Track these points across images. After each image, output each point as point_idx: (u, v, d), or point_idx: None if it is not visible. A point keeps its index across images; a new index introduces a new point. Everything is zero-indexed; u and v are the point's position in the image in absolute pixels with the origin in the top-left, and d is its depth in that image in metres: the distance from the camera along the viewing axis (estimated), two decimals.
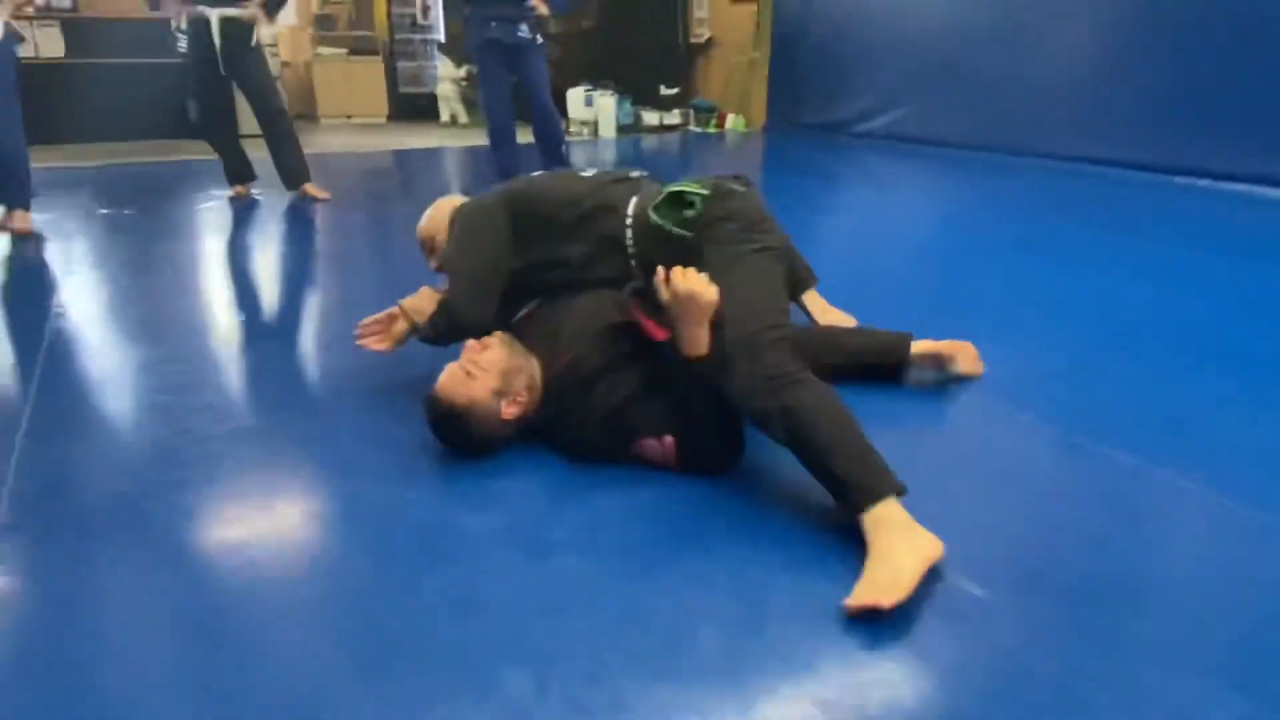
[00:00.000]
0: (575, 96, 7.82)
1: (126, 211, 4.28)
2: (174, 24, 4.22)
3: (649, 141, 7.92)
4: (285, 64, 8.36)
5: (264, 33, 4.34)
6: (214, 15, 4.14)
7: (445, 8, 9.34)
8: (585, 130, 8.03)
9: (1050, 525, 1.48)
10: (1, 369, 2.22)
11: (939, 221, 4.34)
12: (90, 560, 1.38)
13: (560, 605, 1.26)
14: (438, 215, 2.00)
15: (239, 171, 4.58)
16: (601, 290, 1.81)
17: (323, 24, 9.05)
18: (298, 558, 1.40)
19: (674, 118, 8.59)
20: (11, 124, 3.56)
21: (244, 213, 4.36)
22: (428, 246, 2.03)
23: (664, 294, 1.57)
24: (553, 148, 4.84)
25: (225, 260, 3.49)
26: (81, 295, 2.87)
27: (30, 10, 5.69)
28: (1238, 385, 2.07)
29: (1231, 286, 2.96)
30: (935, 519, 1.33)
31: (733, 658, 1.15)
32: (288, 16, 8.08)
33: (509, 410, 1.66)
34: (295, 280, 3.27)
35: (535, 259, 1.85)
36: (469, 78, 8.93)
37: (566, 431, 1.67)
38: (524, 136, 4.84)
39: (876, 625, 1.20)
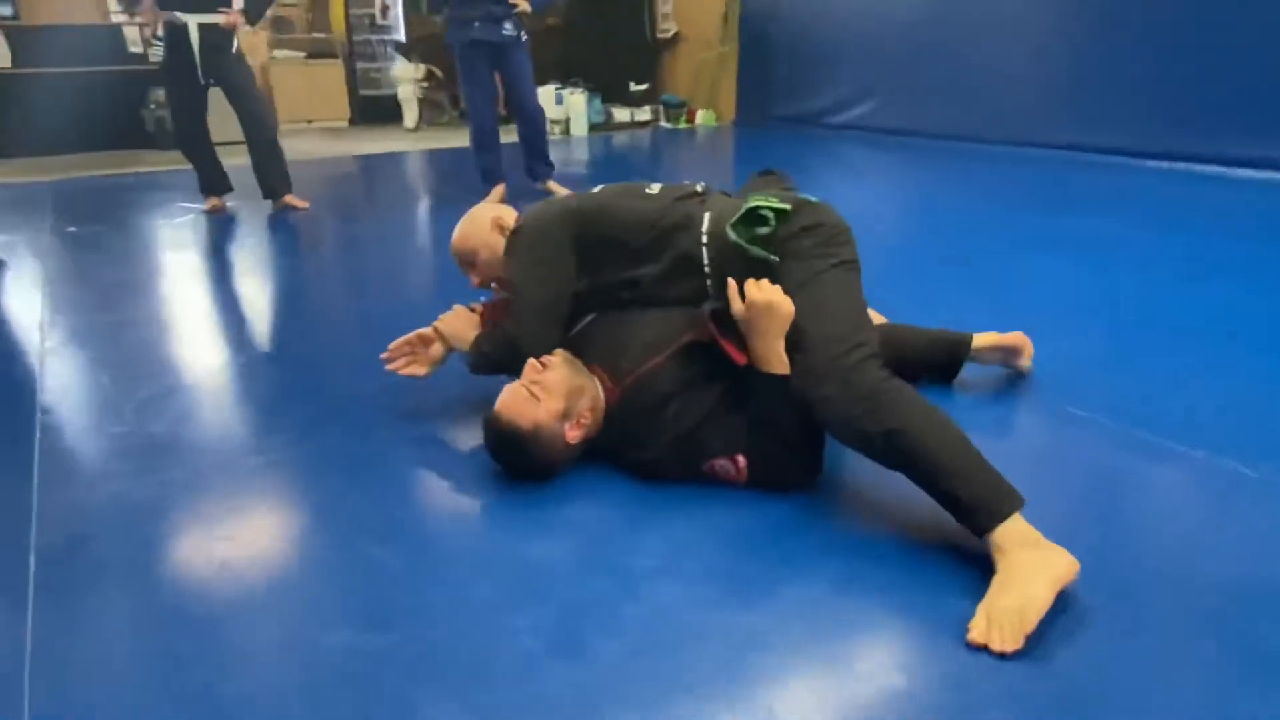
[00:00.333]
0: (545, 95, 7.67)
1: (97, 229, 4.07)
2: (149, 32, 4.02)
3: (621, 139, 7.85)
4: None
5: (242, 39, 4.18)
6: (192, 22, 3.97)
7: (405, 7, 9.15)
8: (556, 129, 7.92)
9: (1147, 527, 1.45)
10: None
11: (923, 212, 4.34)
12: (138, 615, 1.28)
13: (663, 642, 1.19)
14: (475, 228, 1.87)
15: (215, 183, 4.40)
16: (667, 306, 1.73)
17: (279, 26, 8.78)
18: (377, 602, 1.31)
19: (644, 114, 8.52)
20: None
21: (224, 226, 4.19)
22: (466, 261, 1.90)
23: (736, 307, 1.53)
24: (539, 148, 4.75)
25: (218, 278, 3.34)
26: (70, 323, 2.71)
27: None
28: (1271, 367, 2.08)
29: (1239, 270, 2.99)
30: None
31: (857, 692, 1.10)
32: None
33: (573, 433, 1.59)
34: (298, 297, 3.14)
35: (604, 281, 1.75)
36: (429, 78, 8.76)
37: (636, 452, 1.60)
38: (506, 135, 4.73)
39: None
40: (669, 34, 8.74)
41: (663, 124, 8.55)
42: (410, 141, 7.78)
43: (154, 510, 1.57)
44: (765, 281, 1.53)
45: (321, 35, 8.87)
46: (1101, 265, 3.09)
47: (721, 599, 1.28)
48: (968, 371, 1.99)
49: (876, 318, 2.23)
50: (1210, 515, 1.48)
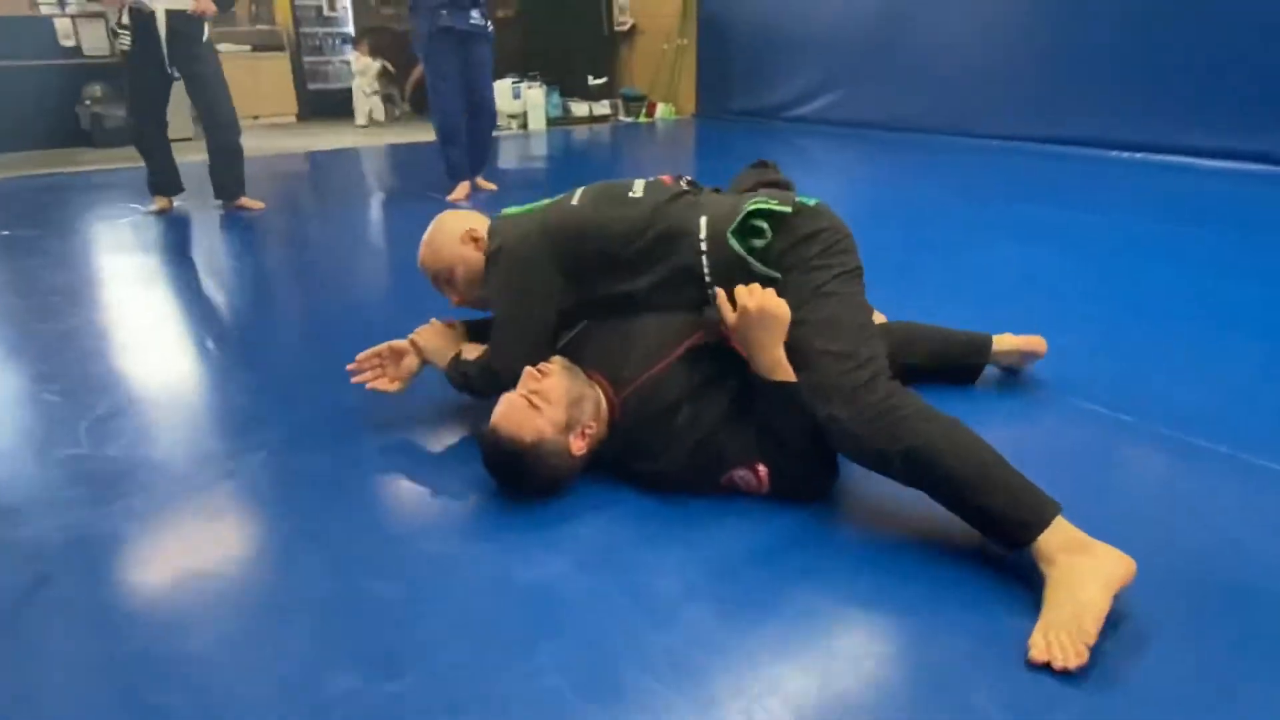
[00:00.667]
0: (502, 89, 7.51)
1: (32, 232, 3.82)
2: (113, 19, 3.78)
3: (580, 133, 7.72)
4: None
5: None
6: (159, 8, 3.74)
7: None
8: (514, 124, 7.75)
9: (1184, 530, 1.39)
10: None
11: (890, 204, 4.30)
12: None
13: (702, 673, 1.09)
14: (446, 242, 1.73)
15: (167, 182, 4.15)
16: (666, 311, 1.62)
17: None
18: (381, 641, 1.18)
19: (603, 108, 8.40)
20: None
21: (174, 228, 3.96)
22: (442, 279, 1.76)
23: (728, 317, 1.44)
24: (487, 145, 4.68)
25: (171, 283, 3.13)
26: (8, 335, 2.50)
27: None
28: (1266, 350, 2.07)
29: (1217, 257, 3.00)
30: None
31: None
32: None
33: (578, 444, 1.48)
34: (260, 301, 2.96)
35: (595, 296, 1.63)
36: (385, 73, 8.51)
37: (647, 463, 1.50)
38: None
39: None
40: (626, 26, 8.63)
41: (622, 118, 8.44)
42: (362, 137, 7.55)
43: (118, 544, 1.42)
44: (756, 286, 1.43)
45: (266, 27, 8.56)
46: (1082, 254, 3.08)
47: (757, 622, 1.19)
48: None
49: (877, 317, 2.16)
50: (1245, 514, 1.43)
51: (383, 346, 1.81)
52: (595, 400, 1.51)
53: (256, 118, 8.29)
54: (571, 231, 1.60)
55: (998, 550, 1.27)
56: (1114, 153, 5.12)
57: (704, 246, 1.52)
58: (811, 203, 1.54)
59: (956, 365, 1.89)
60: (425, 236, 1.78)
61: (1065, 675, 1.05)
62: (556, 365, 1.52)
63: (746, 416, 1.46)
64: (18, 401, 2.03)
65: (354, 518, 1.49)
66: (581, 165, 6.29)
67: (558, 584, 1.28)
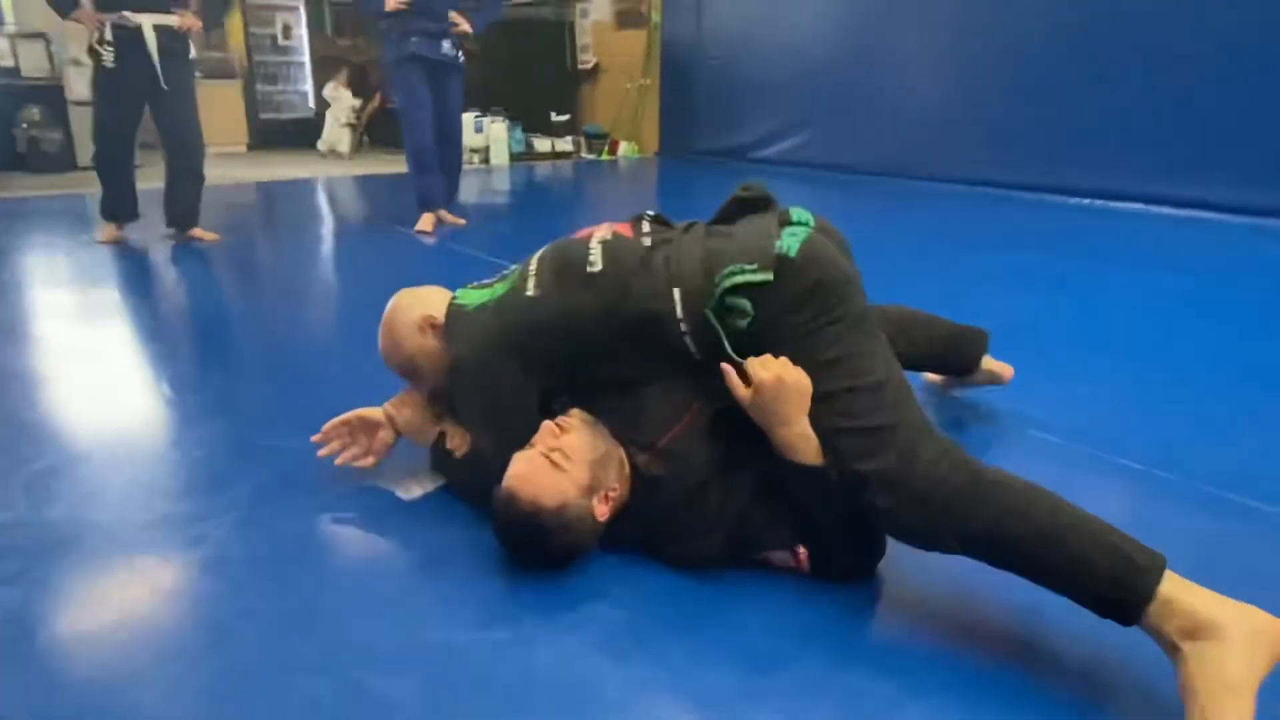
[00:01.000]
0: (465, 122, 7.35)
1: None
2: (94, 36, 3.55)
3: (543, 169, 7.61)
4: None
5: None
6: (146, 23, 3.52)
7: (310, 27, 8.69)
8: (476, 158, 7.61)
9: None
10: None
11: (863, 248, 4.25)
12: None
13: None
14: (404, 336, 1.54)
15: (122, 208, 3.87)
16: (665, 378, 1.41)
17: None
18: None
19: (566, 144, 8.32)
20: None
21: (123, 260, 3.67)
22: (406, 372, 1.60)
23: (740, 395, 1.26)
24: (454, 176, 4.55)
25: (124, 320, 2.88)
26: None
27: None
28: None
29: (1183, 299, 2.99)
30: None
31: None
32: None
33: (602, 508, 1.32)
34: (219, 340, 2.73)
35: (578, 380, 1.44)
36: (362, 110, 8.32)
37: (676, 547, 1.34)
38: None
39: None
40: (589, 65, 8.60)
41: (584, 155, 8.37)
42: (320, 167, 7.31)
43: (61, 634, 1.21)
44: (768, 357, 1.25)
45: (218, 54, 8.30)
46: (1050, 296, 3.05)
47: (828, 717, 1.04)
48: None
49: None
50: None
51: (351, 416, 1.62)
52: (619, 460, 1.35)
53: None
54: (533, 329, 1.40)
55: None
56: (1075, 199, 5.19)
57: (684, 328, 1.32)
58: (793, 252, 1.27)
59: (950, 360, 1.86)
60: (382, 325, 1.59)
61: None
62: (576, 419, 1.36)
63: (780, 497, 1.29)
64: None
65: (345, 597, 1.30)
66: (544, 201, 6.17)
67: (592, 679, 1.11)
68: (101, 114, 3.72)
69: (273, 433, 1.86)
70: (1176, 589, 1.03)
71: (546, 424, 1.35)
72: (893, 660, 1.15)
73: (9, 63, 6.42)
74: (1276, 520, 1.51)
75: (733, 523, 1.30)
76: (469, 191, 6.03)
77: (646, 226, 1.46)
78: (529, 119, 8.23)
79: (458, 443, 1.52)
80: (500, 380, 1.41)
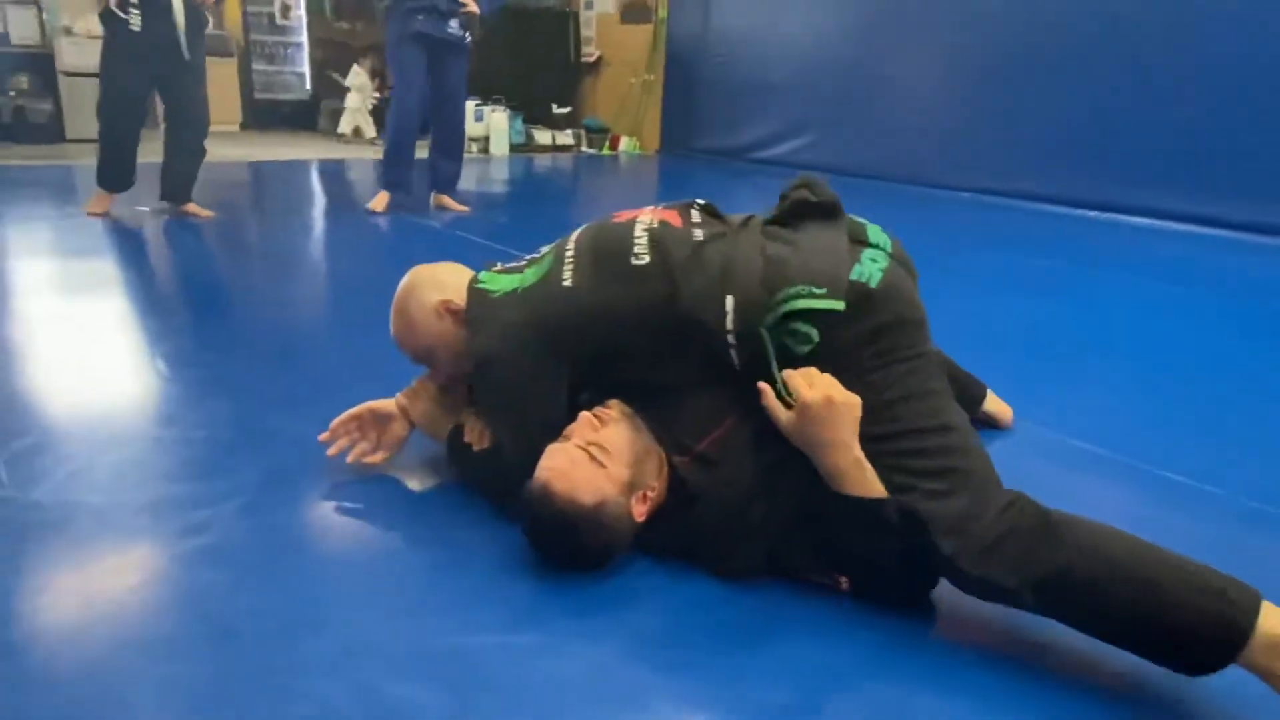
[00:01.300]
0: (465, 111, 7.26)
1: None
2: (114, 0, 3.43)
3: (542, 161, 7.50)
4: None
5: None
6: None
7: (309, 9, 8.53)
8: (475, 147, 7.49)
9: None
10: None
11: None
12: None
13: None
14: (420, 319, 1.42)
15: (119, 178, 3.72)
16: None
17: None
18: None
19: (566, 138, 8.21)
20: None
21: (113, 233, 3.53)
22: (421, 359, 1.49)
23: (780, 418, 1.15)
24: (452, 164, 4.44)
25: (114, 294, 2.75)
26: None
27: None
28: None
29: (1171, 308, 2.94)
30: None
31: None
32: None
33: (640, 509, 1.23)
34: (218, 317, 2.61)
35: (605, 379, 1.34)
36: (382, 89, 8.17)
37: (715, 563, 1.25)
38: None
39: None
40: (592, 58, 8.50)
41: (585, 149, 8.27)
42: (315, 150, 7.17)
43: (46, 625, 1.10)
44: (814, 371, 1.14)
45: (215, 31, 8.11)
46: (1076, 306, 2.99)
47: None
48: None
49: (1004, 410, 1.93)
50: None
51: (362, 409, 1.51)
52: (659, 458, 1.26)
53: None
54: (566, 323, 1.29)
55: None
56: (1079, 211, 5.14)
57: (732, 339, 1.22)
58: (875, 283, 1.18)
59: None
60: (395, 307, 1.46)
61: None
62: (616, 412, 1.26)
63: (824, 525, 1.18)
64: None
65: (357, 594, 1.20)
66: (543, 194, 6.06)
67: (633, 691, 1.02)
68: (115, 80, 3.57)
69: (277, 416, 1.76)
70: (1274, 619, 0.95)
71: (585, 415, 1.25)
72: (961, 681, 1.06)
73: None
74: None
75: (775, 538, 1.21)
76: (468, 180, 5.92)
77: (696, 216, 1.34)
78: (530, 110, 8.11)
79: (476, 436, 1.41)
80: (528, 376, 1.31)
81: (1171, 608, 0.97)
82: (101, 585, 1.18)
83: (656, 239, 1.28)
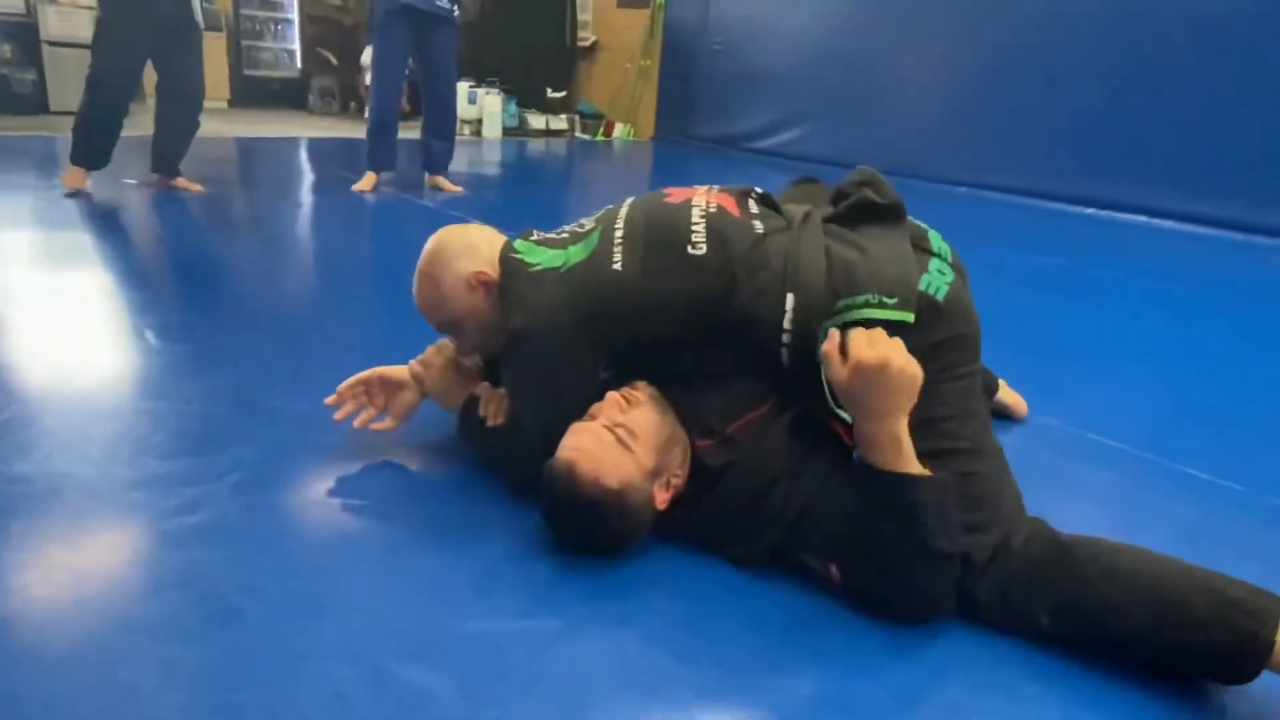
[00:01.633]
0: (458, 92, 7.15)
1: None
2: None
3: (536, 146, 7.42)
4: None
5: None
6: None
7: None
8: (468, 130, 7.40)
9: None
10: None
11: None
12: None
13: None
14: (450, 291, 1.32)
15: (99, 154, 3.52)
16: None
17: None
18: None
19: (560, 122, 8.13)
20: None
21: (105, 205, 3.42)
22: (446, 329, 1.41)
23: (836, 371, 1.07)
24: (444, 143, 4.35)
25: (102, 266, 2.67)
26: None
27: None
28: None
29: (1162, 303, 2.93)
30: None
31: None
32: None
33: (663, 496, 1.18)
34: (210, 291, 2.53)
35: (642, 364, 1.28)
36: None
37: (733, 549, 1.19)
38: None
39: None
40: (588, 42, 8.41)
41: (579, 134, 8.19)
42: (302, 127, 7.06)
43: (37, 603, 1.04)
44: (880, 333, 1.08)
45: (205, 4, 7.96)
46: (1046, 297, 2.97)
47: None
48: None
49: (1019, 402, 1.90)
50: None
51: (371, 374, 1.45)
52: (685, 446, 1.21)
53: None
54: (616, 313, 1.21)
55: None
56: (1076, 208, 5.12)
57: (786, 338, 1.17)
58: (942, 297, 1.15)
59: None
60: (422, 273, 1.35)
61: None
62: (644, 394, 1.21)
63: (838, 501, 1.12)
64: None
65: (365, 576, 1.15)
66: (535, 179, 5.98)
67: (657, 680, 0.98)
68: (112, 49, 3.37)
69: (272, 392, 1.70)
70: None
71: (612, 395, 1.20)
72: (993, 674, 1.02)
73: None
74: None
75: (790, 524, 1.15)
76: (461, 161, 5.83)
77: (755, 207, 1.27)
78: (524, 94, 8.03)
79: (493, 410, 1.35)
80: (565, 359, 1.24)
81: (1190, 627, 0.96)
82: (94, 562, 1.13)
83: (715, 228, 1.21)
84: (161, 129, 3.70)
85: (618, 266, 1.21)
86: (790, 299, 1.16)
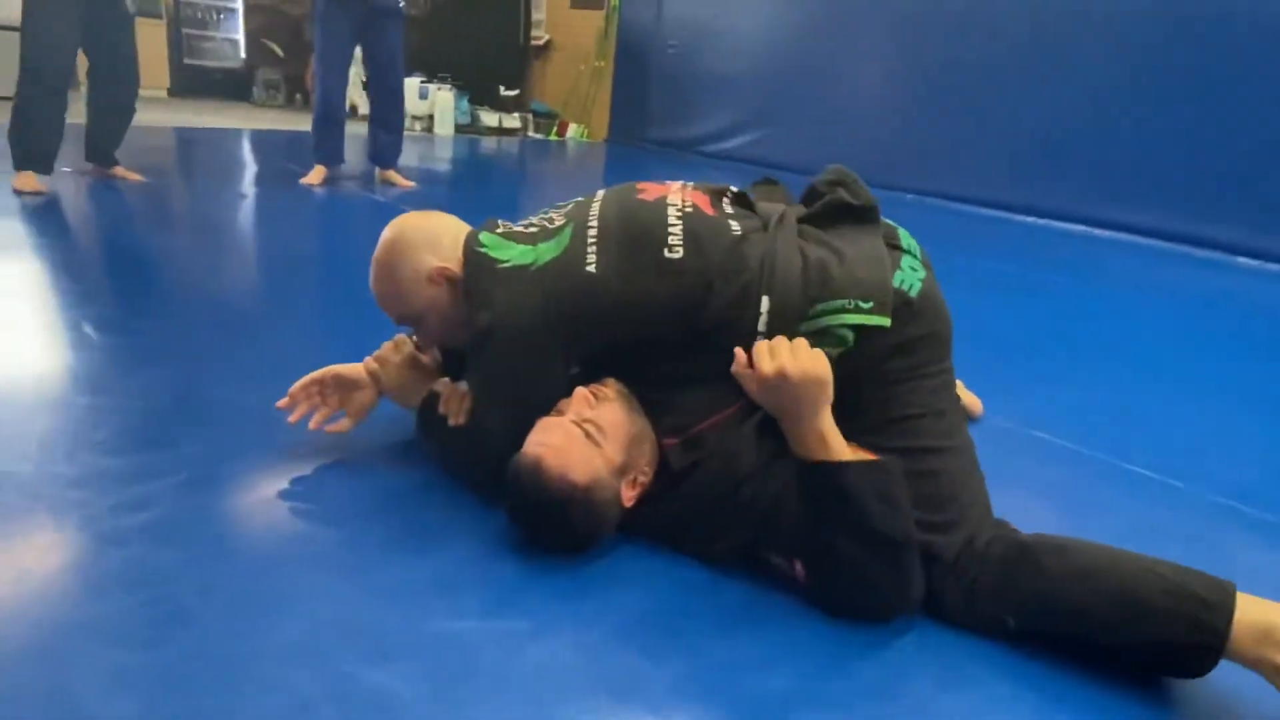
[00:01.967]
0: (410, 88, 7.03)
1: None
2: None
3: (488, 144, 7.34)
4: None
5: None
6: None
7: None
8: (419, 125, 7.29)
9: None
10: None
11: None
12: None
13: None
14: (410, 285, 1.28)
15: (46, 154, 3.26)
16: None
17: None
18: None
19: (514, 121, 8.06)
20: None
21: (43, 197, 3.25)
22: (405, 322, 1.36)
23: (747, 385, 1.11)
24: (392, 137, 4.29)
25: (37, 257, 2.55)
26: None
27: None
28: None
29: (1115, 309, 3.04)
30: None
31: None
32: None
33: (629, 494, 1.17)
34: (152, 283, 2.44)
35: (618, 365, 1.26)
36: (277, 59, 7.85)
37: (698, 545, 1.19)
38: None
39: None
40: (541, 41, 8.36)
41: (532, 133, 8.13)
42: (247, 118, 6.86)
43: None
44: (781, 342, 1.10)
45: None
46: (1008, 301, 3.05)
47: None
48: None
49: (974, 402, 1.92)
50: None
51: (325, 373, 1.40)
52: (653, 443, 1.20)
53: None
54: (591, 315, 1.19)
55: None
56: (1020, 217, 5.27)
57: (760, 339, 1.15)
58: (915, 293, 1.17)
59: None
60: (380, 265, 1.31)
61: None
62: (613, 390, 1.20)
63: (800, 500, 1.12)
64: None
65: (324, 576, 1.11)
66: (487, 177, 5.92)
67: (629, 678, 0.96)
68: (42, 27, 3.14)
69: (219, 386, 1.64)
70: (1263, 610, 0.96)
71: (581, 391, 1.18)
72: (962, 670, 1.03)
73: None
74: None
75: (757, 520, 1.14)
76: (412, 156, 5.74)
77: (729, 207, 1.26)
78: (476, 91, 7.94)
79: (454, 408, 1.32)
80: (536, 361, 1.21)
81: (1152, 622, 0.98)
82: (34, 563, 1.07)
83: (690, 229, 1.19)
84: (96, 115, 3.55)
85: (592, 268, 1.18)
86: (765, 302, 1.15)
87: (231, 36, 8.35)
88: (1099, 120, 4.85)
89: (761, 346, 1.11)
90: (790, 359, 1.07)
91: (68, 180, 3.55)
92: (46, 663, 0.90)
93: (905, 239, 1.25)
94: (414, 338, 1.43)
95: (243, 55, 8.42)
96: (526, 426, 1.18)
